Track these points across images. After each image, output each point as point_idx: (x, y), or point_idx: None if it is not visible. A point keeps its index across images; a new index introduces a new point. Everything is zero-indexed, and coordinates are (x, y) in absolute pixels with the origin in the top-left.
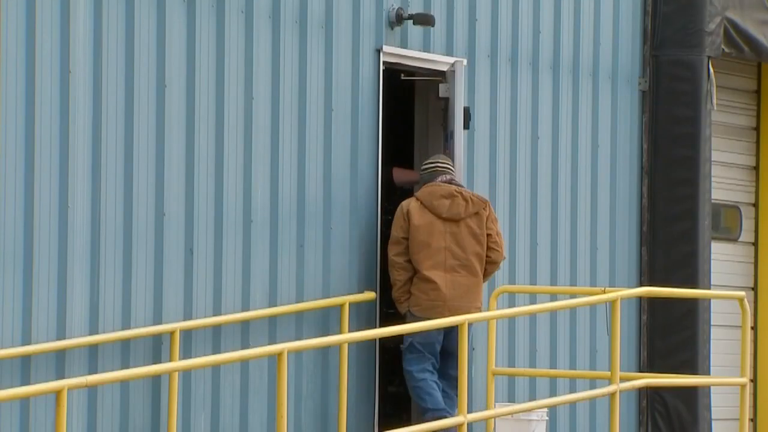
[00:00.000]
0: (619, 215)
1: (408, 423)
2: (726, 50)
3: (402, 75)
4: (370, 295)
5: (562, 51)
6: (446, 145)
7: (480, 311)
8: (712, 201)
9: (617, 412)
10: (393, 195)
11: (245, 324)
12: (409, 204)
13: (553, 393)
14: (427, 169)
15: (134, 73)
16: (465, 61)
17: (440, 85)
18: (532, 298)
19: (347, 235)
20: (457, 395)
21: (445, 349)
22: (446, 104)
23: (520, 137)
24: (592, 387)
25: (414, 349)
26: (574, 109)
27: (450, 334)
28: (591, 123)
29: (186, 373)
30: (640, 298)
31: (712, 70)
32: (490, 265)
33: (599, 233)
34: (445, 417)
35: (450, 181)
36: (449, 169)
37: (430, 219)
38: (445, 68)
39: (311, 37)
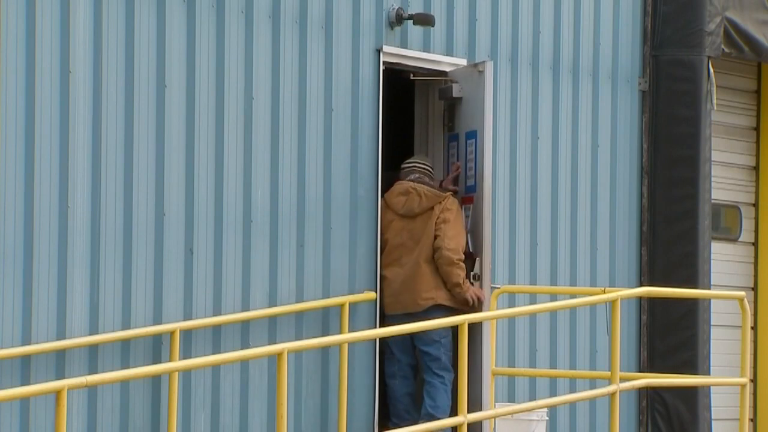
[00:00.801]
0: (619, 215)
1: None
2: (726, 50)
3: (411, 75)
4: (370, 295)
5: (562, 51)
6: (450, 146)
7: (434, 301)
8: (712, 201)
9: (617, 412)
10: None
11: (245, 324)
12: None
13: (553, 393)
14: (403, 168)
15: (134, 73)
16: (490, 62)
17: (453, 85)
18: (532, 298)
19: (347, 235)
20: (442, 383)
21: (416, 346)
22: (451, 104)
23: (520, 137)
24: (592, 387)
25: (386, 350)
26: (574, 109)
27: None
28: (591, 123)
29: (186, 373)
30: (640, 298)
31: (712, 70)
32: (435, 252)
33: (599, 233)
34: (404, 424)
35: (414, 179)
36: (423, 168)
37: (391, 217)
38: (447, 68)
39: (311, 37)
